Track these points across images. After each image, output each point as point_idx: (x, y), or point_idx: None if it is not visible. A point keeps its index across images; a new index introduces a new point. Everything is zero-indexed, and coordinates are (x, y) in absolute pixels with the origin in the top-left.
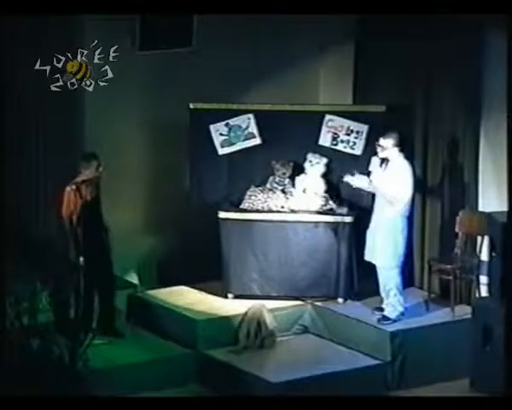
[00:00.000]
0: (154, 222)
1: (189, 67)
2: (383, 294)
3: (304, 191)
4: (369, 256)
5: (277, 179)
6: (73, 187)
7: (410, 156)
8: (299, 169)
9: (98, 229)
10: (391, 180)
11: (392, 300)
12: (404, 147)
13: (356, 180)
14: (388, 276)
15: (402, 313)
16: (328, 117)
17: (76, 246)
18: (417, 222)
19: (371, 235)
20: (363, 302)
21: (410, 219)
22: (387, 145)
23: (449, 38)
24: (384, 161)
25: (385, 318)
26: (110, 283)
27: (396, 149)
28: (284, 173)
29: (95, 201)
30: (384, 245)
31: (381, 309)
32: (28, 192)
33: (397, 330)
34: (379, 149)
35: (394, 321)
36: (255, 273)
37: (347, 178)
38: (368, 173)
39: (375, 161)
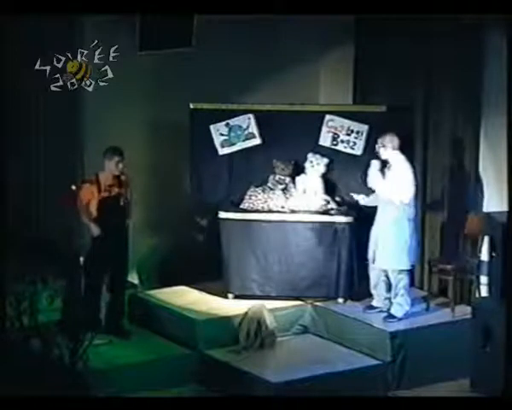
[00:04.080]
0: (154, 222)
1: (189, 67)
2: (374, 291)
3: (304, 191)
4: (377, 261)
5: (277, 178)
6: (92, 179)
7: (410, 157)
8: (299, 169)
9: (115, 226)
10: (395, 183)
11: (400, 299)
12: (405, 148)
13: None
14: (398, 278)
15: (407, 312)
16: (328, 117)
17: (94, 244)
18: (417, 222)
19: (377, 239)
20: (363, 302)
21: (414, 221)
22: (389, 145)
23: (449, 38)
24: (384, 163)
25: (391, 316)
26: (122, 282)
27: (397, 151)
28: (283, 170)
29: (115, 198)
30: (395, 250)
31: (373, 308)
32: (28, 192)
33: (397, 330)
34: (381, 150)
35: (400, 319)
36: (255, 273)
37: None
38: (365, 175)
39: (375, 163)
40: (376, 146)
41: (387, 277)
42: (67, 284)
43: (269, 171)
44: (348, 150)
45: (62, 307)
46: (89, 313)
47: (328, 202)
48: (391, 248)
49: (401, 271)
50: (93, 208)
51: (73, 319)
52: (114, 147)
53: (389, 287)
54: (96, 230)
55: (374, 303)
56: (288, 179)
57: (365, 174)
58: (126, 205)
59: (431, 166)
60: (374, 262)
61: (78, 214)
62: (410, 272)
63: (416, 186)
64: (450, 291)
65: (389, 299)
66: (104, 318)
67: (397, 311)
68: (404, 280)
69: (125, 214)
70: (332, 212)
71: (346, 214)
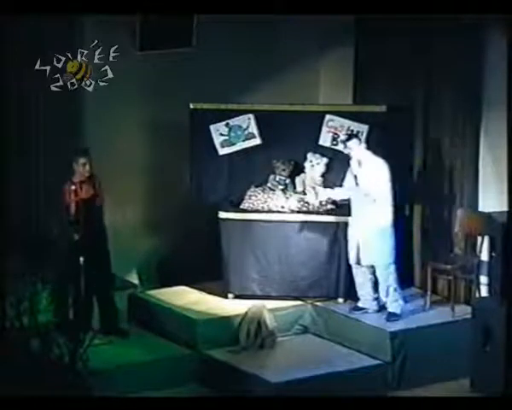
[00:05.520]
0: (154, 222)
1: (189, 67)
2: (360, 292)
3: (304, 191)
4: (362, 259)
5: (278, 178)
6: (68, 186)
7: (409, 156)
8: (299, 169)
9: (95, 229)
10: (368, 179)
11: (393, 295)
12: (404, 148)
13: (338, 193)
14: (387, 273)
15: (403, 306)
16: (328, 117)
17: (74, 245)
18: (417, 222)
19: (358, 238)
20: (351, 303)
21: (394, 213)
22: (353, 146)
23: (449, 37)
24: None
25: (391, 314)
26: (108, 282)
27: (362, 147)
28: (284, 170)
29: (90, 200)
30: (379, 244)
31: (360, 309)
32: (28, 192)
33: (397, 330)
34: (349, 152)
35: (400, 316)
36: (255, 273)
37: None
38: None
39: (353, 167)
40: (344, 148)
41: (374, 275)
42: (60, 285)
43: (269, 171)
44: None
45: (56, 307)
46: (83, 313)
47: (328, 202)
48: (374, 243)
49: (388, 265)
50: (70, 211)
51: (69, 319)
52: (78, 148)
53: (377, 286)
54: (74, 232)
55: (360, 304)
56: (288, 180)
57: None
58: (101, 206)
59: (431, 165)
60: (359, 262)
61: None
62: (402, 269)
63: (393, 179)
64: (451, 291)
65: (377, 299)
66: (99, 318)
67: (395, 308)
68: (393, 274)
69: (102, 215)
70: (332, 212)
71: (346, 214)
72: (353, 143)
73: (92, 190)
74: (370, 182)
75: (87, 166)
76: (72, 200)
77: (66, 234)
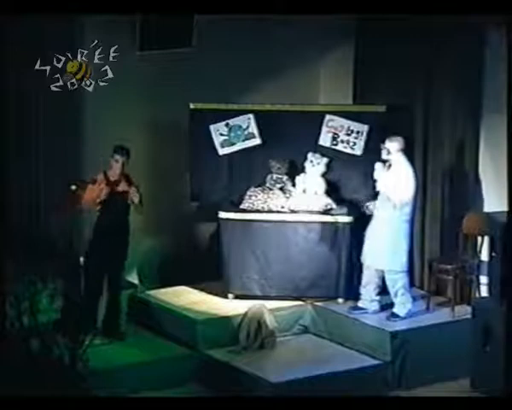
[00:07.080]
0: (154, 222)
1: (189, 67)
2: (363, 290)
3: (304, 191)
4: (371, 261)
5: (275, 177)
6: (100, 177)
7: (410, 157)
8: (298, 169)
9: (117, 225)
10: (395, 184)
11: (401, 298)
12: (404, 148)
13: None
14: (396, 278)
15: (410, 310)
16: (328, 117)
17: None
18: (417, 222)
19: (373, 240)
20: (351, 303)
21: (411, 222)
22: (393, 149)
23: (449, 38)
24: (386, 163)
25: (394, 315)
26: (119, 283)
27: (400, 153)
28: (279, 168)
29: (119, 196)
30: (390, 250)
31: (358, 308)
32: (28, 192)
33: (397, 331)
34: (384, 152)
35: (403, 318)
36: (255, 273)
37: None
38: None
39: (379, 166)
40: (382, 146)
41: (381, 278)
42: (67, 284)
43: (268, 171)
44: (348, 150)
45: (62, 307)
46: (88, 313)
47: (328, 202)
48: (385, 247)
49: (397, 271)
50: (98, 206)
51: (73, 319)
52: (117, 145)
53: (380, 289)
54: (98, 227)
55: (359, 304)
56: (285, 178)
57: (369, 176)
58: (130, 204)
59: (431, 166)
60: (369, 264)
61: (80, 214)
62: (409, 272)
63: (416, 188)
64: (450, 291)
65: (377, 300)
66: (102, 319)
67: (400, 310)
68: (402, 280)
69: (128, 214)
70: (332, 212)
71: (346, 214)
72: (393, 145)
73: (123, 188)
74: (394, 187)
75: (119, 164)
76: (99, 194)
77: (68, 233)
